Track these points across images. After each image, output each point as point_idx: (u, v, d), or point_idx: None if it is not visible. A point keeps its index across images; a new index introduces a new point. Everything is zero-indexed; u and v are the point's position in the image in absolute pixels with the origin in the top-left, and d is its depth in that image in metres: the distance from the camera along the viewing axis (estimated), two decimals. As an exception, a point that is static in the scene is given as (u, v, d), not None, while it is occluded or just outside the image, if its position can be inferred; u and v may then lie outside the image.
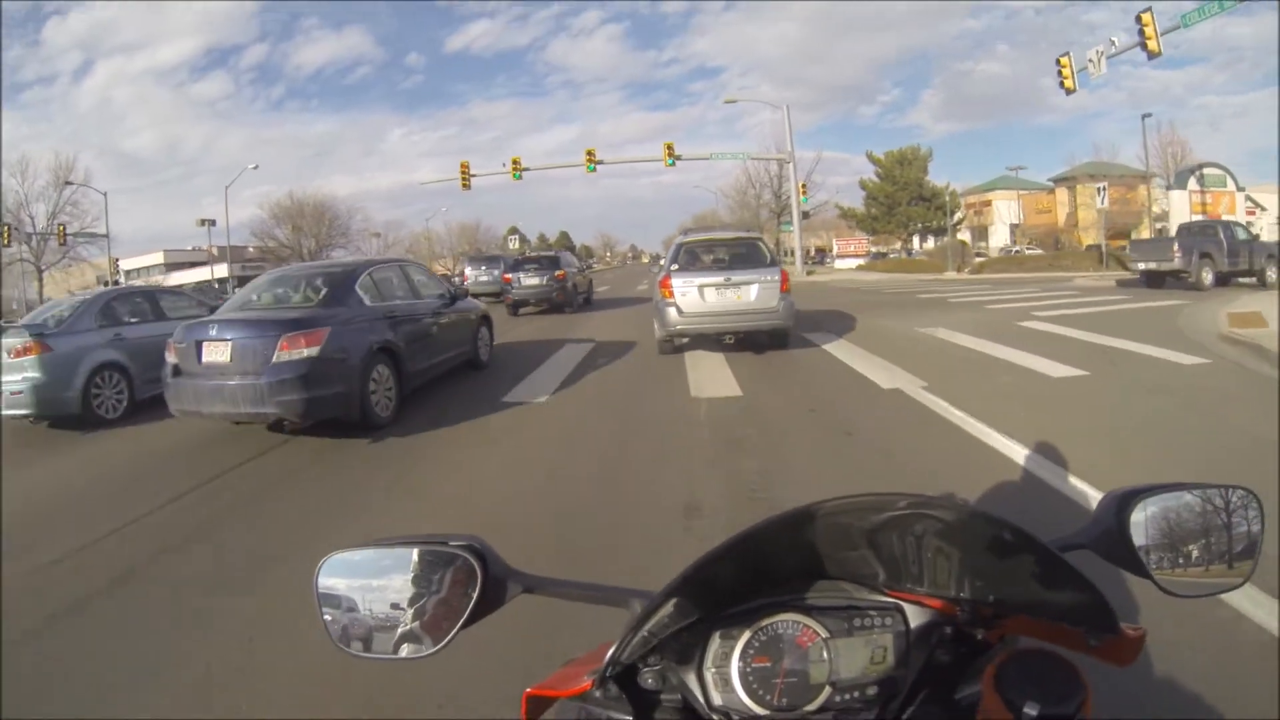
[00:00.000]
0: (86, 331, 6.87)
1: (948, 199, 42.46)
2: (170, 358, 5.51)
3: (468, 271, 21.46)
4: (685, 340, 8.37)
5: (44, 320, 7.09)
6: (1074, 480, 3.58)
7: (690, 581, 0.64)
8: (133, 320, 7.42)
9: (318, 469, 4.78)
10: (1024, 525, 0.62)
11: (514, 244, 51.05)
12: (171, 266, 44.72)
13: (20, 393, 6.36)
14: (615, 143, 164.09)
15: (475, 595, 0.68)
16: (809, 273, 32.39)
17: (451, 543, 0.70)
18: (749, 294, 7.84)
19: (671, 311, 7.89)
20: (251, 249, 44.10)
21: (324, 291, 5.82)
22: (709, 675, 0.70)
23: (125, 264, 52.21)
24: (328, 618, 0.70)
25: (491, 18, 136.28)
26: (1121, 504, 0.72)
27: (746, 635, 0.70)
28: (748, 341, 8.26)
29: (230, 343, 5.13)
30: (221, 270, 45.66)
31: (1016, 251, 40.30)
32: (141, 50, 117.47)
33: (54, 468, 5.49)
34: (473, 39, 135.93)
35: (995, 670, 0.60)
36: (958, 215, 44.65)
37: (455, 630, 0.68)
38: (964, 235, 45.07)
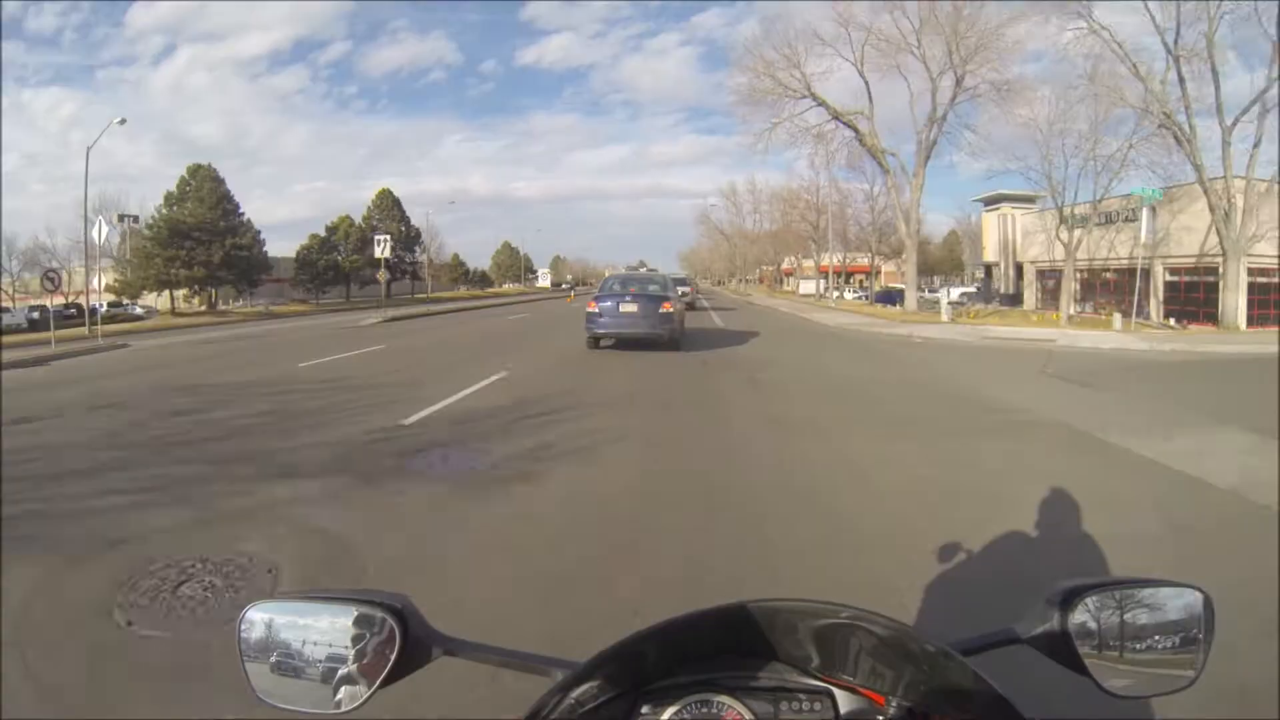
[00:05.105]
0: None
1: None
2: (592, 309, 12.79)
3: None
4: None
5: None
6: None
7: (619, 655, 0.66)
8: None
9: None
10: (954, 648, 0.67)
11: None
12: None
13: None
14: (663, 163, 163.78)
15: (394, 656, 0.69)
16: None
17: (376, 600, 0.70)
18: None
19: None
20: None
21: (667, 284, 13.52)
22: None
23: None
24: (250, 667, 0.70)
25: (576, 31, 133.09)
26: (1065, 599, 0.72)
27: (670, 712, 0.69)
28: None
29: (638, 303, 12.59)
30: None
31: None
32: (225, 39, 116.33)
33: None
34: (546, 52, 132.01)
35: None
36: None
37: (372, 690, 0.69)
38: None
